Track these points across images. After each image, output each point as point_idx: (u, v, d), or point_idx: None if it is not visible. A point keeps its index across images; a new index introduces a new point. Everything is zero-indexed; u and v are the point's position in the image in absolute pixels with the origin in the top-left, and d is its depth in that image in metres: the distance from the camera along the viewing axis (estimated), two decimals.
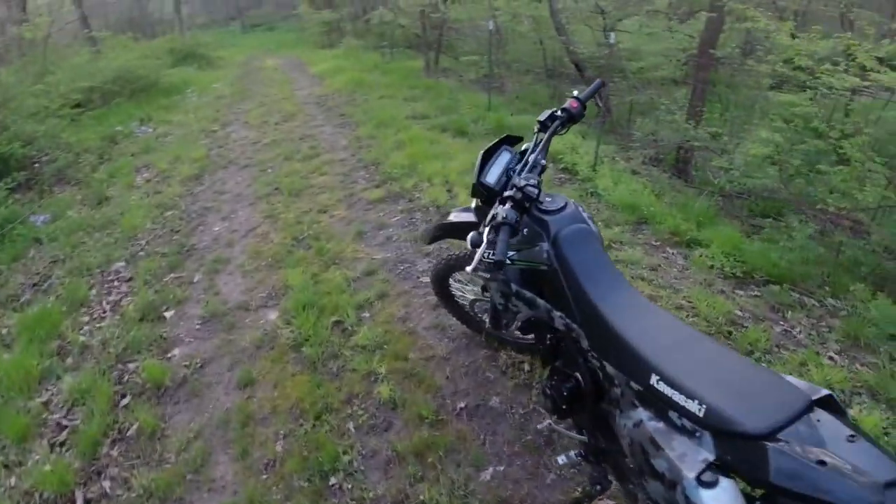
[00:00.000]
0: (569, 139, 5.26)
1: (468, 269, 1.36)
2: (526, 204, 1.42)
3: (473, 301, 2.42)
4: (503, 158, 1.66)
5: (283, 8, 24.46)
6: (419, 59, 10.13)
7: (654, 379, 1.15)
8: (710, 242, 3.33)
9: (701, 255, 3.24)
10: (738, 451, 1.01)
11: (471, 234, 1.46)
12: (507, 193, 1.44)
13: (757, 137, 4.23)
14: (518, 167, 1.62)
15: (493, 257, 1.27)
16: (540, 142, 1.65)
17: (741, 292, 2.96)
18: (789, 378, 1.09)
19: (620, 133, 5.53)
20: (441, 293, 2.50)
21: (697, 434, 1.07)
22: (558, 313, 1.50)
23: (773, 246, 3.43)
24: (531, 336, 2.31)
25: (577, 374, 1.53)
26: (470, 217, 1.91)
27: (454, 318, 2.64)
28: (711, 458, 1.03)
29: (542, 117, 1.69)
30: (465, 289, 2.44)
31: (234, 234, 3.88)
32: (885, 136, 4.21)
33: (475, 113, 6.42)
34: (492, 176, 1.62)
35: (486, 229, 1.38)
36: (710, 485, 1.01)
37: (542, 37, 7.15)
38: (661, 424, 1.15)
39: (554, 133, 1.69)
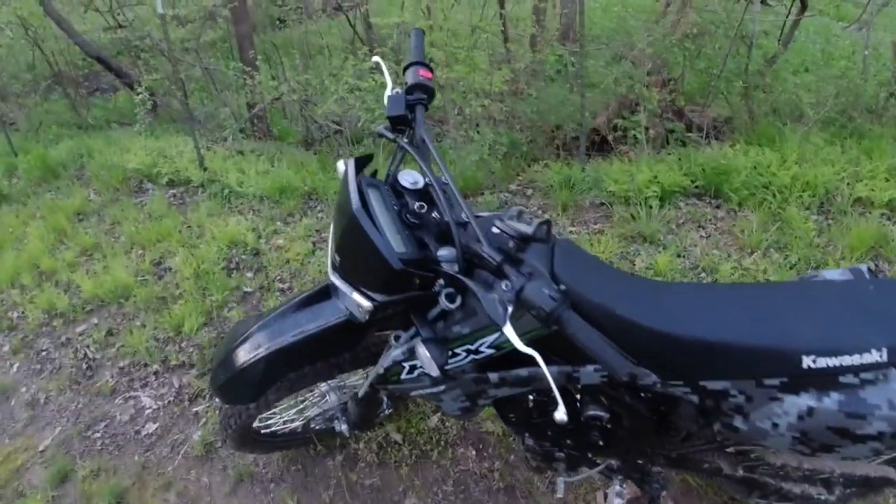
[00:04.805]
0: (143, 145, 3.97)
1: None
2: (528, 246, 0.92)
3: (308, 421, 1.69)
4: (380, 206, 0.94)
5: None
6: None
7: (807, 361, 0.89)
8: None
9: None
10: None
11: (423, 347, 0.94)
12: (488, 254, 0.85)
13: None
14: (413, 204, 0.97)
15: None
16: (414, 146, 1.00)
17: None
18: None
19: (189, 119, 4.41)
20: (248, 444, 1.62)
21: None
22: (590, 367, 1.01)
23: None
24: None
25: (599, 412, 1.11)
26: (336, 316, 1.11)
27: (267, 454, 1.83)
28: None
29: (396, 112, 0.99)
30: (289, 415, 1.64)
31: None
32: None
33: None
34: (397, 243, 0.89)
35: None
36: None
37: (37, 39, 5.07)
38: (838, 396, 0.91)
39: (423, 123, 1.02)
